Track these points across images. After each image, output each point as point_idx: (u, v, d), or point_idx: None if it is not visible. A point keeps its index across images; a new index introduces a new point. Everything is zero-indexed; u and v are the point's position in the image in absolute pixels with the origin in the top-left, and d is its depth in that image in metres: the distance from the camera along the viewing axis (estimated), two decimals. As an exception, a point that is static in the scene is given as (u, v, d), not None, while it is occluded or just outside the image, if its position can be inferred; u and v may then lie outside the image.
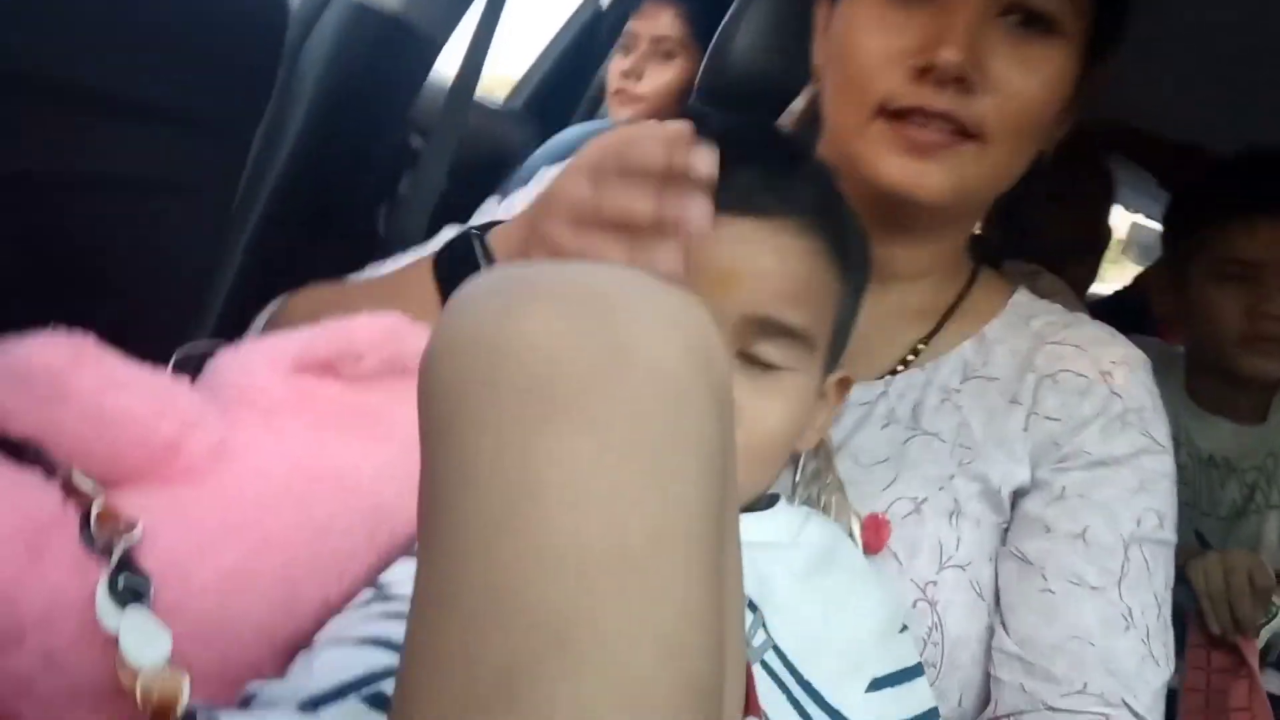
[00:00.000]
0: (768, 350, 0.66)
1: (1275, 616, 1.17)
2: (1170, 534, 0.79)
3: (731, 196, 0.62)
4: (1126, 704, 0.72)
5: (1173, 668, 0.76)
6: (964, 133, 0.75)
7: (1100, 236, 1.84)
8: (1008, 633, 0.75)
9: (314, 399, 0.61)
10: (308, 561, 0.57)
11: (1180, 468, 0.84)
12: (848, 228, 0.71)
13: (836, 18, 0.82)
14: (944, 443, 0.79)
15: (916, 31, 0.75)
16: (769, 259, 0.66)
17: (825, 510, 0.75)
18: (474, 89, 1.35)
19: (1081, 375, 0.80)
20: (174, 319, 0.99)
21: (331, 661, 0.52)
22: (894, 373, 0.84)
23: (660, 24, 1.98)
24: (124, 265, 0.91)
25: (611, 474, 0.35)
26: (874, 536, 0.75)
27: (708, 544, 0.37)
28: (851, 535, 0.74)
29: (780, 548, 0.66)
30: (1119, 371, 0.81)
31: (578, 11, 2.39)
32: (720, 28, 1.23)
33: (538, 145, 2.20)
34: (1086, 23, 0.77)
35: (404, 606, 0.37)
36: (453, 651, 0.34)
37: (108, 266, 0.89)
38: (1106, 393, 0.80)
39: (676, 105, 1.34)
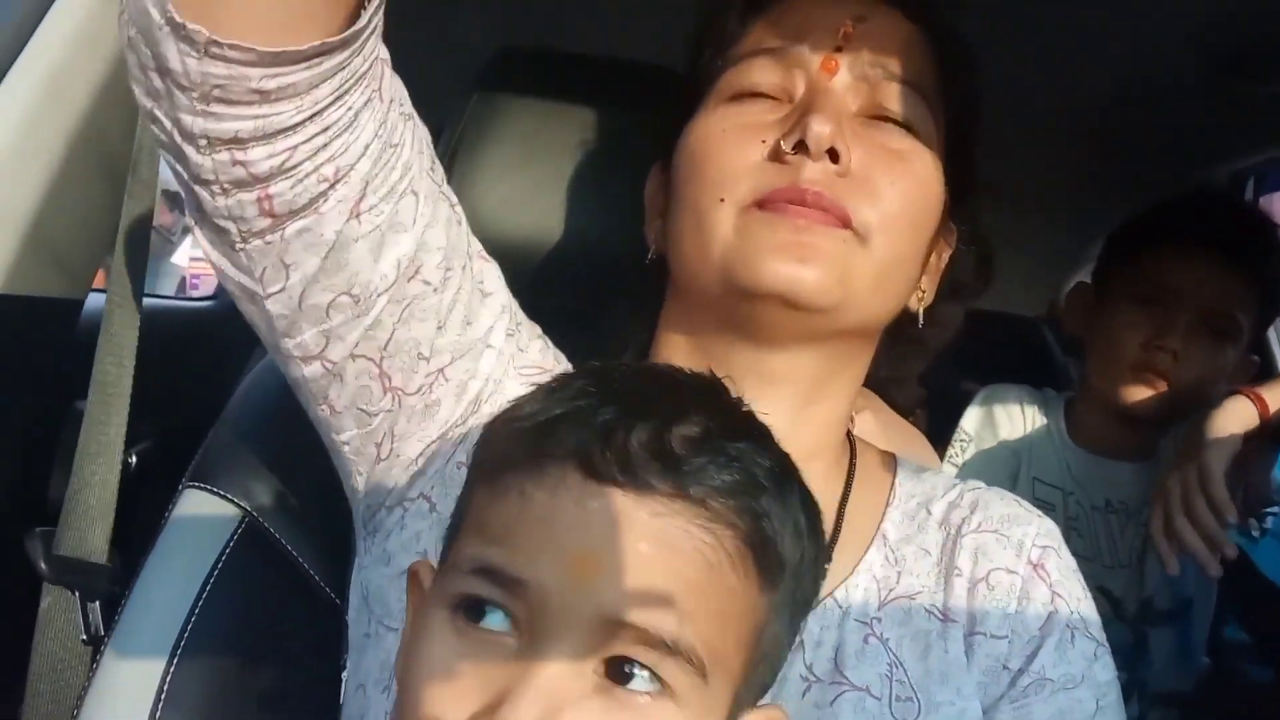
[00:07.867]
0: (637, 669, 0.48)
1: None
2: None
3: (609, 462, 0.48)
4: None
5: None
6: (843, 223, 0.70)
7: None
8: None
9: None
10: None
11: (1071, 520, 0.78)
12: (785, 515, 0.53)
13: (679, 152, 0.77)
14: (877, 699, 0.70)
15: (778, 124, 0.72)
16: (644, 545, 0.48)
17: None
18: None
19: (1013, 573, 0.74)
20: None
21: None
22: None
23: None
24: None
25: None
26: None
27: None
28: None
29: None
30: (1049, 560, 0.75)
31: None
32: None
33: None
34: (940, 134, 0.76)
35: None
36: None
37: None
38: (1047, 594, 0.73)
39: None
